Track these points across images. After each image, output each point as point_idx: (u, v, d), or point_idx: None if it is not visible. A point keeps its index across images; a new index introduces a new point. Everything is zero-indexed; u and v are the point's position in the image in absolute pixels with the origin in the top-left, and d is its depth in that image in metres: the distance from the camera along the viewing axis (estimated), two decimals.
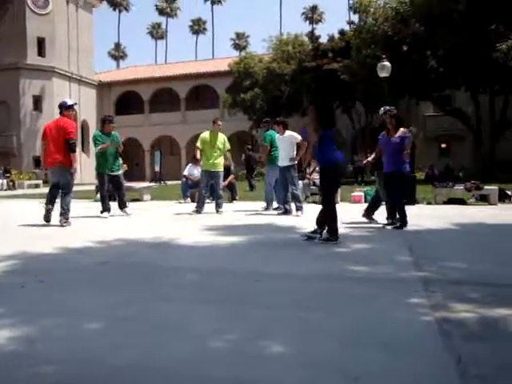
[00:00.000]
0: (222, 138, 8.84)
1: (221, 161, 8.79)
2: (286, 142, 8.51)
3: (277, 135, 8.85)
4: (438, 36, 20.04)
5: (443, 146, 32.57)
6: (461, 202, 10.60)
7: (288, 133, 8.65)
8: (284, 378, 1.86)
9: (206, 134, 8.84)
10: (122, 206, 8.39)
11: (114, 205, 8.39)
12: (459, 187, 10.95)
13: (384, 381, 1.82)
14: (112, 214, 8.17)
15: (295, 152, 8.47)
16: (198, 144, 8.78)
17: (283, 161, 8.47)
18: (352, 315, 2.62)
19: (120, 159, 8.47)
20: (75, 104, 7.51)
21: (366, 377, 1.84)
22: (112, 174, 8.18)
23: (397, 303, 2.84)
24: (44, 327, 2.42)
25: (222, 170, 8.93)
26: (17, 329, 2.38)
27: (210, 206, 9.08)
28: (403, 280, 3.43)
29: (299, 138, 8.43)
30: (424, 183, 16.81)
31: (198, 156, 8.87)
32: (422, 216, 7.82)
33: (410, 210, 8.98)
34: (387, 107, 7.19)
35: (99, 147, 7.95)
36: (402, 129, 6.49)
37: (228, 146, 8.95)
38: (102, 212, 8.13)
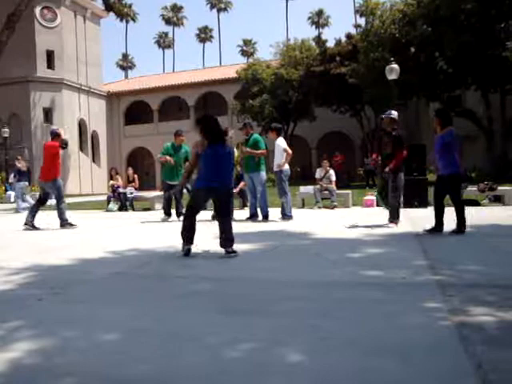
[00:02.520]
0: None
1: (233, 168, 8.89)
2: (278, 148, 8.56)
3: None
4: (446, 36, 19.94)
5: None
6: (474, 203, 10.50)
7: (280, 139, 8.70)
8: None
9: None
10: (178, 214, 8.96)
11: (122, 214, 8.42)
12: (472, 188, 10.85)
13: None
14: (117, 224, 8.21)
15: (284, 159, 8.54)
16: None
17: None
18: (368, 322, 2.60)
19: (181, 170, 8.99)
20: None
21: None
22: (171, 183, 8.96)
23: (414, 308, 2.81)
24: (62, 340, 2.43)
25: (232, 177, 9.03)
26: (35, 341, 2.40)
27: None
28: (419, 284, 3.40)
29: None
30: None
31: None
32: None
33: (422, 212, 8.94)
34: (389, 112, 7.13)
35: (159, 157, 8.99)
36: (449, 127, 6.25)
37: (236, 153, 9.00)
38: (165, 215, 9.02)
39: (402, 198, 7.33)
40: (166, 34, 68.72)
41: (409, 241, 5.63)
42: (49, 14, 34.56)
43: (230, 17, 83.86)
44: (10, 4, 27.46)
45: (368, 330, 2.46)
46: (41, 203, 8.55)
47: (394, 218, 6.87)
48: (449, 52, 20.99)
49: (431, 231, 6.12)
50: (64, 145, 8.48)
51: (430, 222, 6.81)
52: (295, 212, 9.33)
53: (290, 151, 8.51)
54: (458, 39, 19.54)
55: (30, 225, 8.16)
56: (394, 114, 7.03)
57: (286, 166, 8.53)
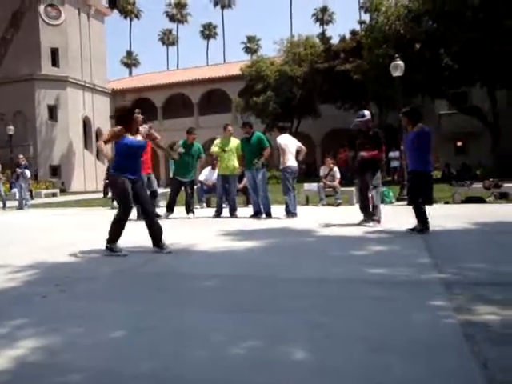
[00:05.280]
0: (234, 142, 8.99)
1: (234, 165, 8.93)
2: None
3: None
4: (452, 32, 19.81)
5: (459, 144, 32.16)
6: (479, 200, 10.44)
7: (280, 137, 8.74)
8: None
9: (218, 140, 9.15)
10: (188, 211, 9.10)
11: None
12: (477, 185, 10.80)
13: None
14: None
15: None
16: (212, 149, 9.05)
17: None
18: (373, 319, 2.59)
19: (195, 167, 9.23)
20: None
21: (388, 383, 1.81)
22: (183, 180, 9.01)
23: (418, 306, 2.80)
24: (67, 337, 2.44)
25: (236, 174, 9.09)
26: (40, 339, 2.41)
27: (225, 211, 9.12)
28: (424, 282, 3.39)
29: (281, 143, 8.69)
30: (441, 182, 16.62)
31: (216, 151, 9.04)
32: (440, 216, 7.73)
33: (427, 209, 8.90)
34: (361, 113, 7.11)
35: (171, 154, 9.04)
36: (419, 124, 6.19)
37: (240, 150, 9.01)
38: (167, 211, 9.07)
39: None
40: (170, 31, 68.67)
41: (413, 238, 5.61)
42: (53, 11, 34.61)
43: (234, 14, 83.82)
44: (15, 2, 27.47)
45: (372, 327, 2.46)
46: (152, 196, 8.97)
47: (376, 215, 6.84)
48: (454, 48, 20.88)
49: (420, 231, 5.96)
50: (153, 139, 8.84)
51: (435, 220, 6.78)
52: (299, 209, 9.30)
53: (283, 147, 8.46)
54: (464, 35, 19.42)
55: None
56: (366, 113, 7.04)
57: (290, 163, 8.48)
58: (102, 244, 5.69)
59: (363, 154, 6.77)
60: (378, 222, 6.81)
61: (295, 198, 8.66)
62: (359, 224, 6.88)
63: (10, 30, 28.97)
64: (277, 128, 9.13)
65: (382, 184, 7.72)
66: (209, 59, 65.40)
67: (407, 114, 6.32)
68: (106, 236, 5.03)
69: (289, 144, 8.60)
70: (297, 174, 8.70)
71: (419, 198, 6.08)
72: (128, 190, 5.02)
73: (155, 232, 5.10)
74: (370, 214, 6.88)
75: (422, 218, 6.00)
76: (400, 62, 12.83)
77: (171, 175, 9.71)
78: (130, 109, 5.33)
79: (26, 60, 33.03)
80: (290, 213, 8.39)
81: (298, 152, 8.75)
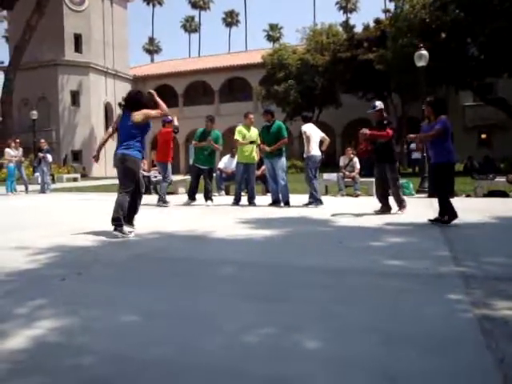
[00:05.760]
0: (254, 131, 8.97)
1: (254, 153, 8.92)
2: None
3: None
4: (479, 22, 19.33)
5: (483, 136, 31.59)
6: (502, 194, 10.24)
7: (304, 126, 8.67)
8: (317, 374, 1.84)
9: (239, 127, 9.12)
10: (206, 198, 9.20)
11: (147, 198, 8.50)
12: (501, 179, 10.59)
13: (422, 381, 1.78)
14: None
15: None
16: (236, 136, 8.99)
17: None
18: (388, 311, 2.57)
19: (214, 155, 9.34)
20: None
21: (402, 376, 1.80)
22: (201, 167, 9.12)
23: (435, 299, 2.77)
24: (83, 320, 2.48)
25: (255, 162, 9.09)
26: (58, 320, 2.45)
27: (244, 199, 9.13)
28: (442, 275, 3.34)
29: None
30: (462, 175, 16.35)
31: (240, 140, 9.02)
32: (461, 209, 7.57)
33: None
34: (373, 105, 7.33)
35: (194, 143, 9.31)
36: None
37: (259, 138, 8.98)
38: (188, 198, 9.28)
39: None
40: (193, 18, 68.66)
41: (432, 231, 5.53)
42: None
43: (257, 1, 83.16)
44: None
45: (388, 319, 2.44)
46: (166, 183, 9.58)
47: (402, 204, 7.15)
48: (481, 38, 20.38)
49: (446, 221, 5.92)
50: (176, 129, 9.44)
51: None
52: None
53: (308, 135, 8.42)
54: (491, 25, 18.93)
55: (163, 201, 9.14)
56: (378, 104, 7.25)
57: (314, 152, 8.45)
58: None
59: (365, 130, 6.98)
60: (404, 208, 7.10)
61: (317, 185, 8.68)
62: (376, 213, 7.03)
63: (35, 17, 29.34)
64: (301, 117, 9.05)
65: (400, 175, 7.76)
66: (230, 47, 65.22)
67: (432, 104, 6.19)
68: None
69: (313, 133, 8.56)
70: (320, 163, 8.67)
71: (445, 189, 6.03)
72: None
73: (131, 210, 5.44)
74: (387, 205, 7.10)
75: (448, 207, 5.91)
76: (424, 52, 12.58)
77: (191, 162, 9.81)
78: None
79: (49, 46, 33.44)
80: (314, 201, 8.38)
81: (321, 142, 8.71)
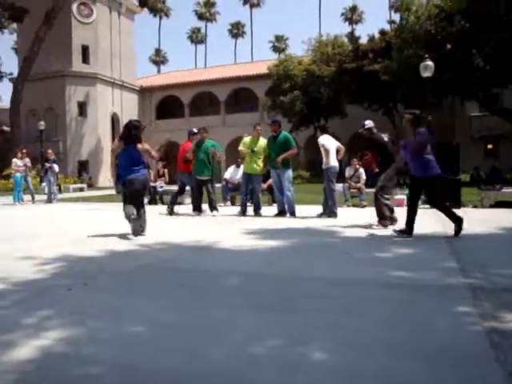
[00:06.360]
0: (262, 142, 9.00)
1: (260, 164, 8.93)
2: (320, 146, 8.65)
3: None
4: (484, 33, 19.35)
5: (489, 146, 31.48)
6: (510, 205, 10.17)
7: (322, 137, 8.65)
8: None
9: (247, 139, 9.17)
10: (211, 208, 9.17)
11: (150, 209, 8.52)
12: (508, 189, 10.54)
13: None
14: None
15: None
16: (241, 147, 9.05)
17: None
18: (395, 323, 2.56)
19: (212, 165, 9.36)
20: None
21: None
22: (200, 178, 9.14)
23: (443, 311, 2.75)
24: (90, 330, 2.48)
25: (261, 173, 9.08)
26: (65, 330, 2.46)
27: (250, 209, 9.14)
28: (449, 287, 3.32)
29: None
30: (469, 186, 16.28)
31: (244, 151, 9.09)
32: (468, 220, 7.55)
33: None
34: (362, 124, 7.60)
35: (188, 155, 9.32)
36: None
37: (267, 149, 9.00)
38: (193, 210, 9.33)
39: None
40: (199, 30, 69.20)
41: (439, 242, 5.50)
42: (85, 10, 35.31)
43: (263, 12, 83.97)
44: (49, 1, 28.05)
45: (394, 330, 2.42)
46: (180, 192, 9.94)
47: (383, 217, 6.86)
48: (487, 49, 20.40)
49: (401, 232, 5.88)
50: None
51: (463, 224, 6.64)
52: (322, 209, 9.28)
53: (327, 147, 8.41)
54: (496, 35, 18.96)
55: (170, 210, 9.43)
56: (368, 123, 7.48)
57: (334, 163, 8.46)
58: (126, 239, 5.79)
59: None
60: (384, 225, 6.73)
61: (336, 197, 8.69)
62: (369, 226, 6.84)
63: (43, 28, 29.70)
64: (319, 128, 9.13)
65: (406, 186, 7.72)
66: (236, 58, 65.47)
67: (411, 120, 6.05)
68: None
69: (330, 145, 8.56)
70: (337, 173, 8.71)
71: (442, 200, 6.06)
72: None
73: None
74: (384, 216, 6.84)
75: (454, 217, 5.87)
76: (430, 63, 12.63)
77: None
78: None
79: (57, 57, 33.78)
80: (331, 212, 8.35)
81: (337, 151, 8.73)
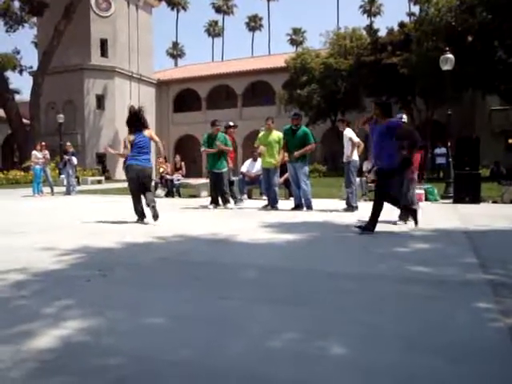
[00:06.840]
0: (276, 135, 8.97)
1: (275, 158, 8.89)
2: (345, 139, 8.54)
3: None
4: (507, 24, 18.94)
5: (510, 141, 30.90)
6: None
7: (348, 130, 8.58)
8: (341, 380, 1.82)
9: (261, 134, 9.31)
10: (224, 201, 9.25)
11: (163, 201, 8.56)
12: None
13: None
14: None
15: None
16: (257, 145, 9.27)
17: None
18: (414, 318, 2.53)
19: (224, 158, 9.39)
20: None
21: None
22: (213, 171, 9.24)
23: (463, 307, 2.71)
24: (109, 321, 2.51)
25: (276, 167, 9.03)
26: (84, 321, 2.48)
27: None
28: (469, 283, 3.27)
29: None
30: (489, 181, 16.03)
31: (262, 149, 9.10)
32: (488, 216, 7.46)
33: (474, 208, 8.64)
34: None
35: (202, 149, 9.50)
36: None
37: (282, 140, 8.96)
38: (210, 203, 9.35)
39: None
40: (216, 23, 69.10)
41: (458, 237, 5.43)
42: (104, 3, 35.47)
43: (280, 5, 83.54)
44: None
45: (414, 326, 2.40)
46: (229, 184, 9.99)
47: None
48: (509, 41, 19.98)
49: (364, 229, 5.67)
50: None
51: (481, 219, 6.56)
52: (341, 203, 9.23)
53: (356, 141, 8.38)
54: None
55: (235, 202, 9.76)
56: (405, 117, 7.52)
57: (355, 157, 8.44)
58: (144, 231, 5.83)
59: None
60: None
61: (356, 191, 8.63)
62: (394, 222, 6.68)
63: (63, 22, 29.96)
64: (341, 121, 9.06)
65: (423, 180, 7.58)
66: (254, 51, 65.48)
67: (380, 105, 6.01)
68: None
69: (354, 138, 8.51)
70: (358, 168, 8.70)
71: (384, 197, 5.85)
72: None
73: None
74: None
75: (372, 215, 5.72)
76: (450, 56, 12.40)
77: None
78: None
79: (76, 50, 34.06)
80: (351, 206, 8.35)
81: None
